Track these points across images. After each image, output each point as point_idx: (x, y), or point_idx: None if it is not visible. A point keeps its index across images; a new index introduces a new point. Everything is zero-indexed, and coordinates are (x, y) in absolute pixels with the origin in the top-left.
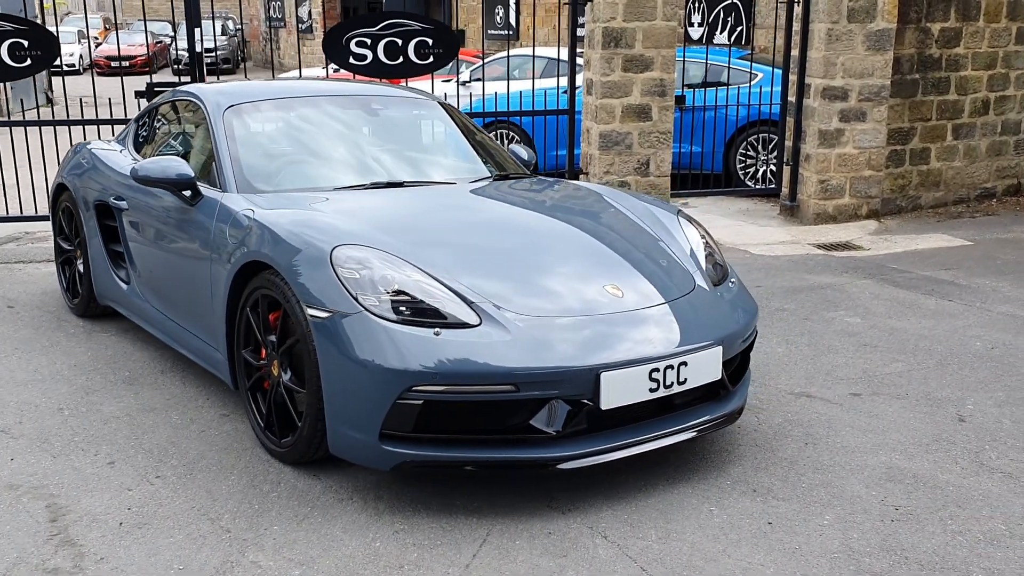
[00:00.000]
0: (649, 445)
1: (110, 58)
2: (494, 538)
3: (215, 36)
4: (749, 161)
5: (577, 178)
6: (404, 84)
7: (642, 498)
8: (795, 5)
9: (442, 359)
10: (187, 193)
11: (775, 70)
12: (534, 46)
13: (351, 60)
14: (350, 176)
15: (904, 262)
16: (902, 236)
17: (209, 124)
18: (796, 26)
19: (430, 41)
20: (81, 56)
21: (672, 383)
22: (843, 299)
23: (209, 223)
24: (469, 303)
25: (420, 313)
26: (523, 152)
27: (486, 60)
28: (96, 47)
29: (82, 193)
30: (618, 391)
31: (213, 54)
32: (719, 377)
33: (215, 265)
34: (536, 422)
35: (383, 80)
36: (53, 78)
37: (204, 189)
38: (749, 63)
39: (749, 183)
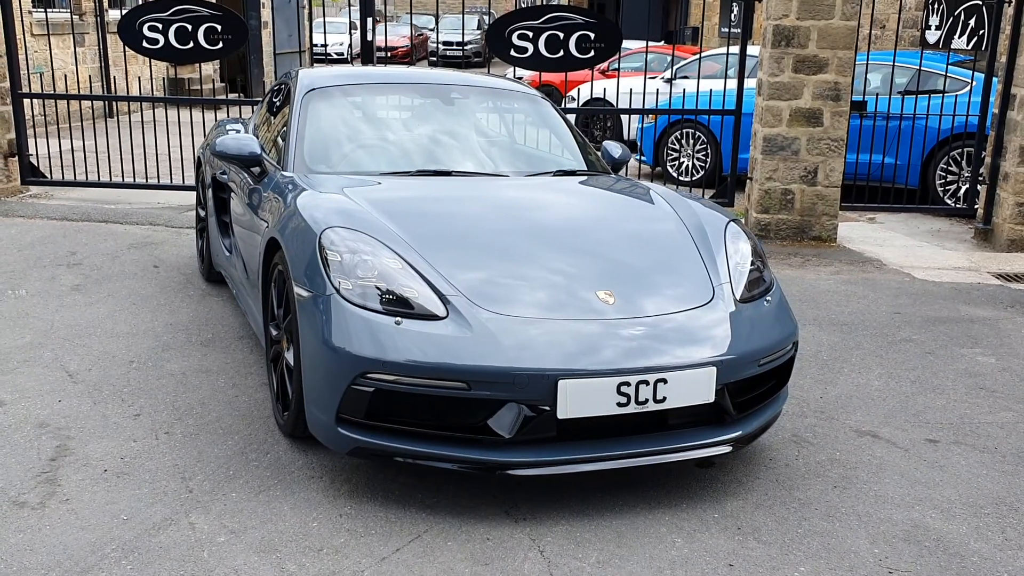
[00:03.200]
0: (616, 463)
1: (376, 48)
2: (429, 536)
3: (461, 29)
4: (952, 177)
5: (744, 184)
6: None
7: (609, 518)
8: (1006, 4)
9: (395, 349)
10: (255, 170)
11: (974, 75)
12: (733, 46)
13: (512, 52)
14: (401, 162)
15: None
16: None
17: (291, 104)
18: (1007, 29)
19: (592, 35)
20: (350, 46)
21: (646, 400)
22: (988, 336)
23: (263, 199)
24: (442, 296)
25: (391, 302)
26: (616, 150)
27: (701, 56)
28: None
29: (207, 167)
30: (578, 401)
31: (462, 47)
32: (710, 399)
33: (259, 239)
34: (494, 424)
35: (541, 74)
36: (316, 64)
37: (270, 166)
38: (945, 68)
39: (949, 201)
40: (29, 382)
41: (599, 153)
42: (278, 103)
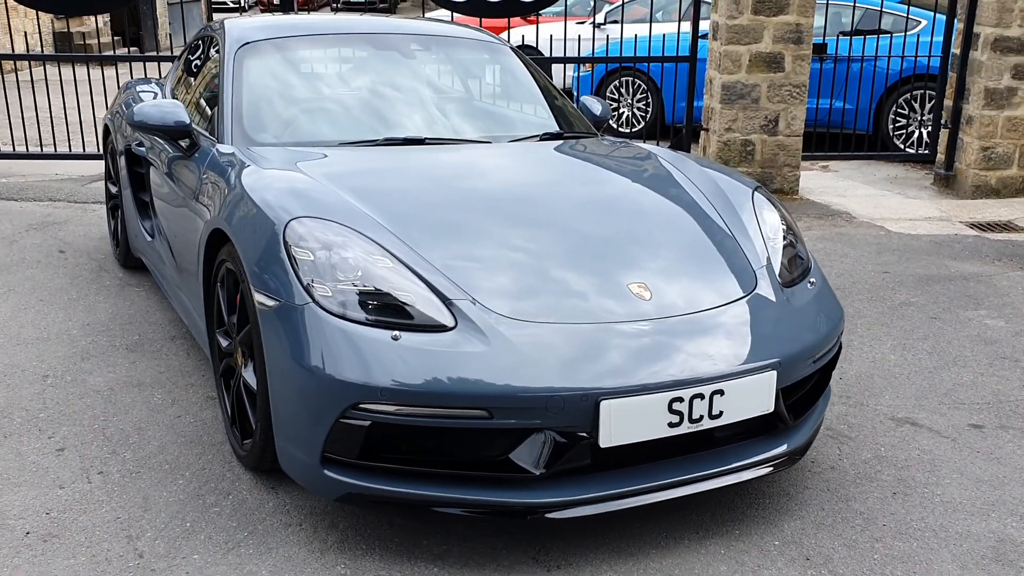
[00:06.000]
0: (667, 493)
1: None
2: None
3: None
4: (905, 121)
5: (697, 135)
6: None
7: (656, 557)
8: None
9: (395, 371)
10: (184, 143)
11: (936, 16)
12: None
13: None
14: (362, 130)
15: None
16: None
17: (221, 63)
18: None
19: None
20: None
21: (701, 416)
22: (988, 295)
23: (198, 178)
24: (446, 301)
25: (383, 310)
26: (596, 106)
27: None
28: None
29: (118, 136)
30: (624, 425)
31: None
32: (771, 409)
33: (199, 227)
34: (518, 458)
35: (481, 21)
36: (215, 15)
37: (202, 139)
38: (907, 8)
39: (904, 147)
40: None
41: (579, 111)
42: (198, 61)
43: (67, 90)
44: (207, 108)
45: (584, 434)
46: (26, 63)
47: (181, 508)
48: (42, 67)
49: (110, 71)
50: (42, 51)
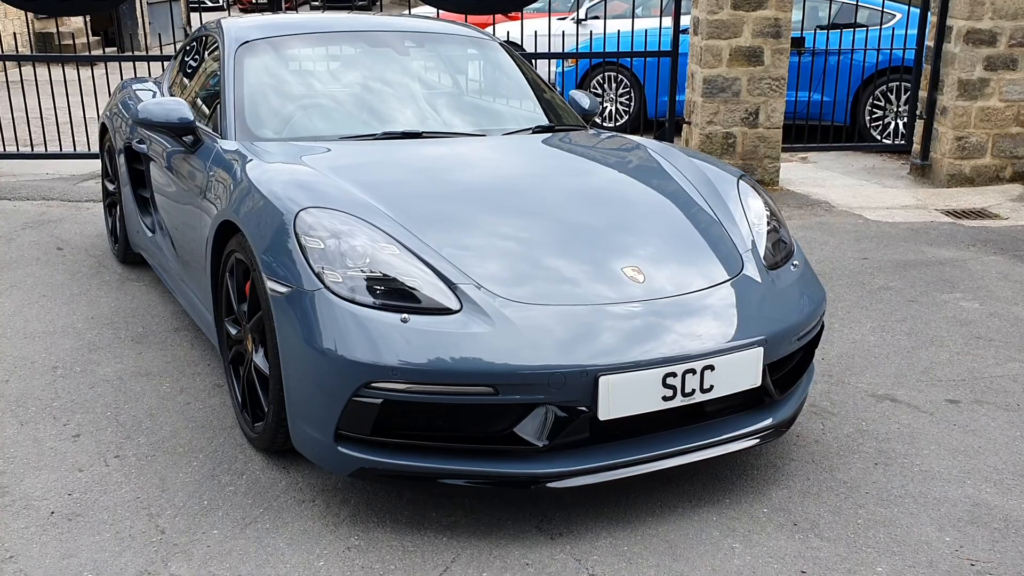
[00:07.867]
0: (662, 463)
1: None
2: (459, 566)
3: None
4: (882, 113)
5: (680, 128)
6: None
7: (653, 524)
8: None
9: (405, 351)
10: (188, 139)
11: (911, 9)
12: None
13: None
14: (361, 125)
15: None
16: None
17: (221, 61)
18: None
19: None
20: None
21: (693, 390)
22: (963, 278)
23: (204, 173)
24: (451, 285)
25: (391, 295)
26: (584, 100)
27: None
28: None
29: (116, 134)
30: (622, 399)
31: None
32: (758, 383)
33: (205, 220)
34: (522, 431)
35: (467, 17)
36: (193, 14)
37: (205, 135)
38: (882, 1)
39: (881, 138)
40: None
41: (568, 104)
42: (194, 61)
43: (56, 91)
44: (206, 106)
45: (584, 408)
46: (6, 63)
47: (197, 488)
48: (27, 66)
49: (89, 71)
50: (32, 51)
